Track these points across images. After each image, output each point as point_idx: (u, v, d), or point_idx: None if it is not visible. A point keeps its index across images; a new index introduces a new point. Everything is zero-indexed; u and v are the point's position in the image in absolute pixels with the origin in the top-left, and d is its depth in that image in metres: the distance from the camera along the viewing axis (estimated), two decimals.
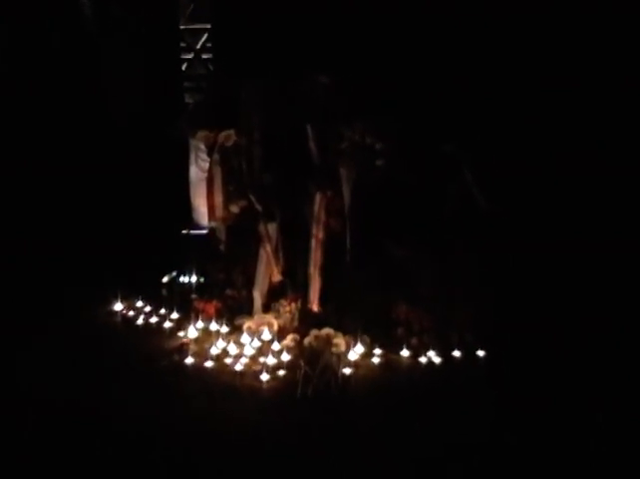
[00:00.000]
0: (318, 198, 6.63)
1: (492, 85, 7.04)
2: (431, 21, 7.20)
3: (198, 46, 9.23)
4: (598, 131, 7.08)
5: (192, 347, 6.29)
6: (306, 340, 6.11)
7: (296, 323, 6.47)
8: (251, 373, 5.88)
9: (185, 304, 6.93)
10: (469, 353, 6.09)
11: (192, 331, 6.50)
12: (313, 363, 5.85)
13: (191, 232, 7.62)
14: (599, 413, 5.07)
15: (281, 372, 5.85)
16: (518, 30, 7.12)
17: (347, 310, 6.39)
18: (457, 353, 6.10)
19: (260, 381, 5.73)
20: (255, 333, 6.32)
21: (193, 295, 7.04)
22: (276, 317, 6.45)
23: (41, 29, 8.84)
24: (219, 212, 7.17)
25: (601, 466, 4.56)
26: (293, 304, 6.52)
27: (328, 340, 6.05)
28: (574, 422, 5.01)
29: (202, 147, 7.33)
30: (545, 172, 6.95)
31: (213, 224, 7.26)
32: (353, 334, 6.12)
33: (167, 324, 6.80)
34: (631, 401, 5.27)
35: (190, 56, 9.25)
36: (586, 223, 6.97)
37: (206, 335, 6.47)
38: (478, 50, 7.12)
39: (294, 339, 6.20)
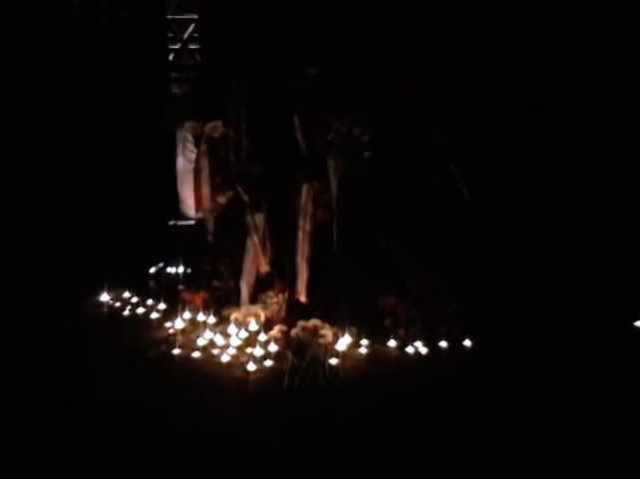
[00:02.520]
0: (305, 189, 6.63)
1: (480, 77, 7.03)
2: (417, 13, 7.18)
3: (186, 36, 9.19)
4: (585, 125, 7.10)
5: (179, 338, 6.30)
6: (293, 331, 6.11)
7: (283, 314, 6.47)
8: (238, 364, 5.88)
9: (172, 295, 6.91)
10: (455, 344, 6.11)
11: (179, 322, 6.48)
12: (300, 354, 5.86)
13: (179, 223, 7.60)
14: (586, 402, 5.11)
15: (268, 363, 5.86)
16: (503, 22, 7.12)
17: (334, 301, 6.41)
18: (443, 344, 6.12)
19: (247, 372, 5.74)
20: (242, 324, 6.31)
21: (180, 286, 7.02)
22: (263, 308, 6.45)
23: (25, 20, 8.78)
24: (207, 203, 7.14)
25: (588, 457, 4.58)
26: (280, 295, 6.52)
27: (315, 331, 6.06)
28: (561, 412, 5.03)
29: (190, 138, 7.29)
30: (531, 165, 6.97)
31: (201, 215, 7.23)
32: (340, 325, 6.13)
33: (154, 315, 6.79)
34: (618, 391, 5.31)
35: (178, 46, 9.21)
36: (572, 215, 7.00)
37: (193, 326, 6.47)
38: (464, 43, 7.11)
39: (281, 330, 6.20)
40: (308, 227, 6.62)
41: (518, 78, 7.09)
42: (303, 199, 6.63)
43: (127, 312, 6.93)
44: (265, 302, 6.53)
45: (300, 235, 6.63)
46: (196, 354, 6.04)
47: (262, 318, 6.36)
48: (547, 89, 7.09)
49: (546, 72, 7.12)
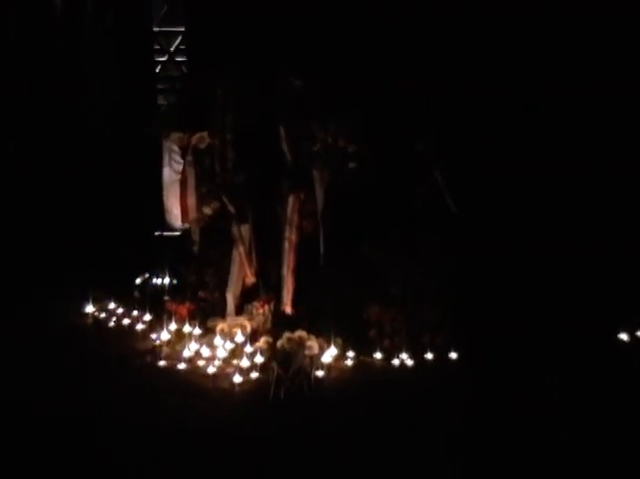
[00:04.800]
0: (291, 199, 6.64)
1: (466, 85, 7.06)
2: (404, 22, 7.21)
3: (172, 48, 9.23)
4: (573, 130, 7.14)
5: (165, 349, 6.28)
6: (279, 343, 6.08)
7: (269, 325, 6.46)
8: (224, 375, 5.87)
9: (158, 306, 6.90)
10: (441, 355, 6.12)
11: (165, 333, 6.46)
12: (286, 366, 5.84)
13: (164, 233, 7.60)
14: (571, 411, 5.13)
15: (254, 374, 5.85)
16: (489, 27, 7.16)
17: (320, 312, 6.39)
18: (429, 355, 6.12)
19: (233, 383, 5.72)
20: (228, 335, 6.30)
21: (166, 297, 7.02)
22: (249, 319, 6.44)
23: (15, 31, 8.78)
24: (192, 213, 7.16)
25: (575, 463, 4.60)
26: (266, 306, 6.52)
27: (301, 342, 6.03)
28: (546, 421, 5.03)
29: (176, 148, 7.30)
30: (518, 171, 6.99)
31: (186, 225, 7.23)
32: (326, 336, 6.12)
33: (140, 326, 6.76)
34: (604, 398, 5.33)
35: (164, 58, 9.25)
36: (559, 223, 7.02)
37: (179, 337, 6.45)
38: (451, 52, 7.14)
39: (267, 342, 6.17)
40: (294, 237, 6.63)
41: (506, 84, 7.11)
42: (289, 209, 6.65)
43: (112, 324, 6.91)
44: (251, 313, 6.52)
45: (286, 245, 6.63)
46: (182, 366, 6.02)
47: (248, 330, 6.35)
48: (535, 94, 7.11)
49: (534, 79, 7.15)
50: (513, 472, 4.55)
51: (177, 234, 7.51)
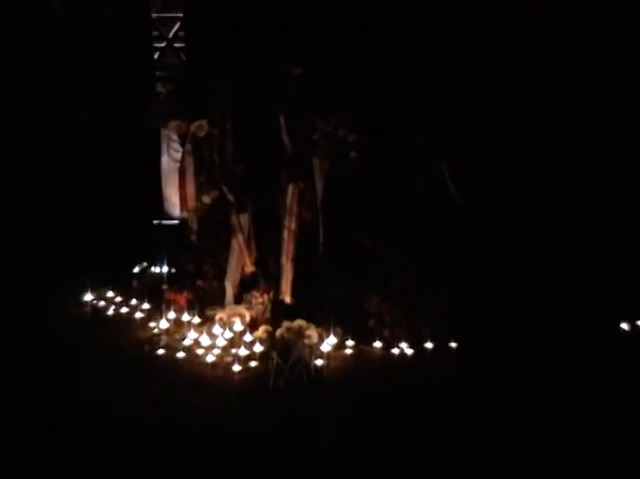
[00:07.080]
0: (291, 189, 6.62)
1: (467, 79, 7.04)
2: (404, 15, 7.18)
3: (171, 35, 9.15)
4: (572, 124, 7.13)
5: (163, 338, 6.27)
6: (278, 332, 6.07)
7: (268, 315, 6.46)
8: (223, 364, 5.88)
9: (156, 295, 6.89)
10: (440, 345, 6.12)
11: (164, 322, 6.46)
12: (285, 355, 5.84)
13: (163, 222, 7.56)
14: (567, 401, 5.14)
15: (253, 364, 5.86)
16: (488, 22, 7.14)
17: (319, 302, 6.39)
18: (428, 345, 6.12)
19: (232, 372, 5.72)
20: (227, 324, 6.29)
21: (164, 286, 7.00)
22: (248, 309, 6.43)
23: (8, 18, 8.72)
24: (191, 202, 7.13)
25: (569, 456, 4.60)
26: (265, 296, 6.51)
27: (300, 332, 6.02)
28: (543, 412, 5.04)
29: (174, 137, 7.26)
30: (520, 165, 6.99)
31: (185, 214, 7.20)
32: (325, 326, 6.11)
33: (138, 315, 6.76)
34: (606, 389, 5.34)
35: (163, 45, 9.17)
36: (558, 217, 7.01)
37: (178, 326, 6.45)
38: (452, 46, 7.12)
39: (266, 331, 6.16)
40: (293, 227, 6.62)
41: (508, 79, 7.09)
42: (288, 199, 6.62)
43: (110, 312, 6.89)
44: (250, 303, 6.51)
45: (285, 235, 6.62)
46: (181, 355, 6.02)
47: (247, 319, 6.34)
48: (537, 90, 7.10)
49: (535, 73, 7.14)
50: (511, 463, 4.56)
51: (176, 222, 7.46)
